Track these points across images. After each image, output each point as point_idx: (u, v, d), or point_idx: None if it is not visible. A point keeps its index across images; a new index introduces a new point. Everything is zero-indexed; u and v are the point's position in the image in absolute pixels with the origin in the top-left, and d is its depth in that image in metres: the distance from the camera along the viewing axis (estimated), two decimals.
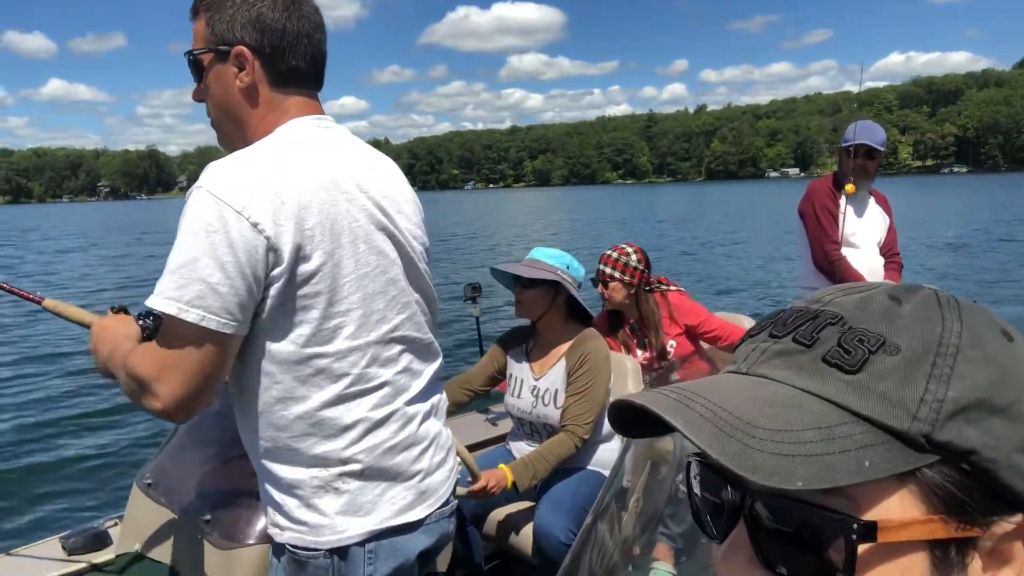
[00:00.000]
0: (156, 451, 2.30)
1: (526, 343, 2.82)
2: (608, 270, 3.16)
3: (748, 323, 3.58)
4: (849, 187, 3.55)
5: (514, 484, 2.42)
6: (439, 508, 1.45)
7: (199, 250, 1.17)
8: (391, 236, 1.38)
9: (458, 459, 2.01)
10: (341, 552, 1.34)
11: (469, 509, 2.62)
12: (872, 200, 3.83)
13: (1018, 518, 0.45)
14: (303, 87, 1.40)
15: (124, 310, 1.50)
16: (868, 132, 3.60)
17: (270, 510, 1.41)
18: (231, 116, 1.39)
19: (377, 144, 1.45)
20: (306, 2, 1.38)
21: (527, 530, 2.60)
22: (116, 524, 2.28)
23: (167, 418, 1.25)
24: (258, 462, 1.40)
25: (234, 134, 1.41)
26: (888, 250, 3.83)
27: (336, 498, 1.33)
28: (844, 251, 3.62)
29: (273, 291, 1.23)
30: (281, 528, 1.38)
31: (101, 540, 2.18)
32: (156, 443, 5.94)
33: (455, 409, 2.95)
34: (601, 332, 2.80)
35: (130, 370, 1.26)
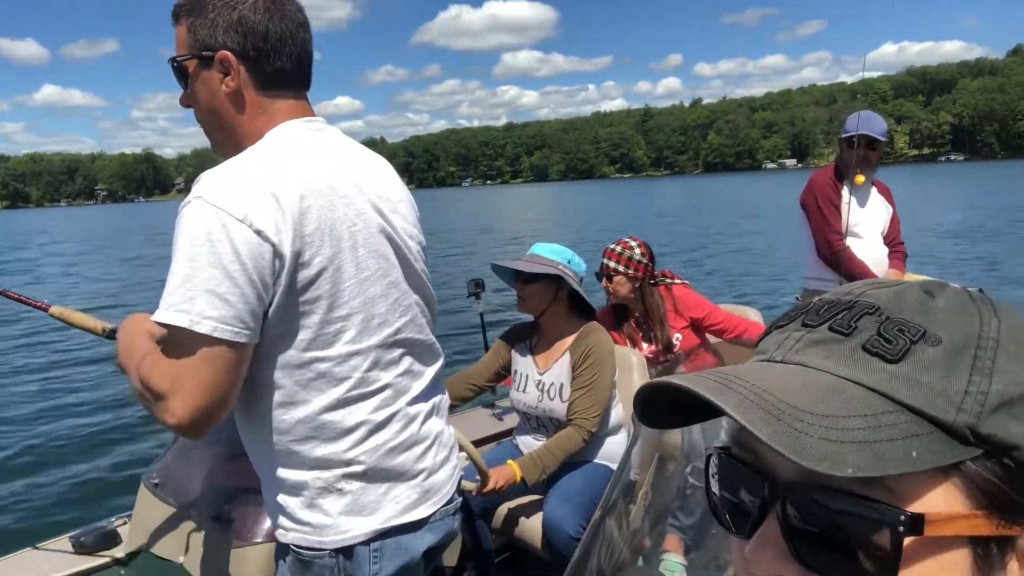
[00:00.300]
0: (163, 451, 2.31)
1: (530, 338, 2.83)
2: (612, 264, 3.16)
3: (754, 315, 3.58)
4: (859, 178, 3.55)
5: (523, 479, 2.43)
6: (443, 506, 1.45)
7: (204, 261, 1.15)
8: (389, 238, 1.37)
9: (464, 455, 2.02)
10: (346, 551, 1.34)
11: (478, 503, 2.62)
12: (874, 190, 3.82)
13: None
14: (290, 88, 1.37)
15: None
16: (869, 122, 3.60)
17: (275, 511, 1.40)
18: (220, 121, 1.37)
19: (373, 143, 1.44)
20: (288, 1, 1.35)
21: (536, 523, 2.60)
22: (125, 523, 2.30)
23: (181, 433, 1.23)
24: (260, 465, 1.40)
25: (224, 139, 1.39)
26: (892, 240, 3.83)
27: (339, 498, 1.33)
28: (848, 241, 3.61)
29: (276, 297, 1.22)
30: (285, 529, 1.38)
31: (111, 539, 2.20)
32: (164, 442, 6.01)
33: (459, 404, 2.95)
34: (606, 326, 2.80)
35: (144, 380, 1.22)
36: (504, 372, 2.86)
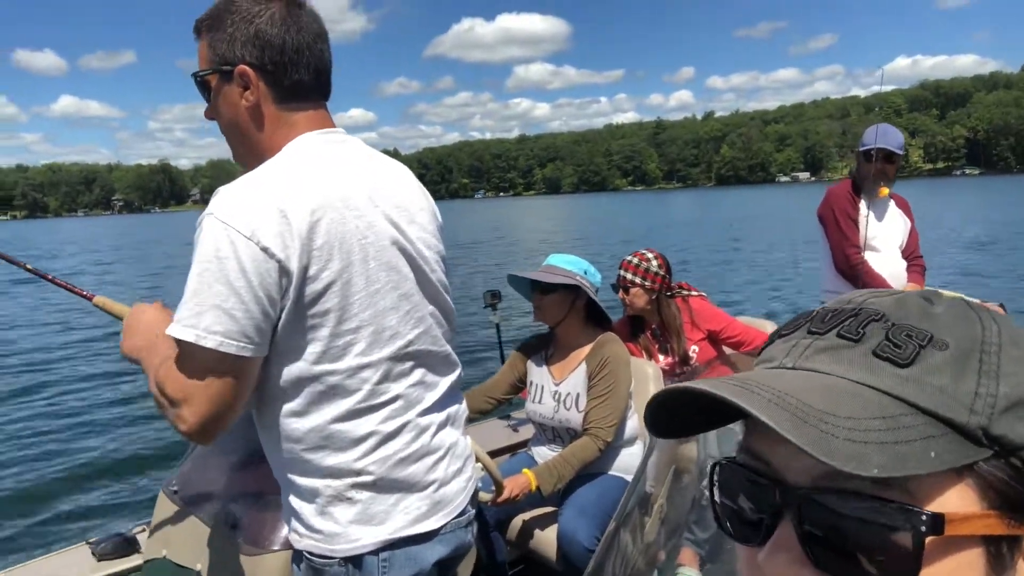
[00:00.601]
0: (183, 458, 2.33)
1: (545, 349, 2.83)
2: (629, 276, 3.17)
3: (771, 328, 3.55)
4: (884, 190, 3.55)
5: (538, 488, 2.43)
6: (455, 518, 1.44)
7: (212, 276, 1.19)
8: (403, 250, 1.37)
9: (480, 466, 2.02)
10: (355, 560, 1.34)
11: (492, 515, 2.62)
12: (892, 203, 3.81)
13: None
14: (309, 100, 1.39)
15: None
16: (886, 135, 3.59)
17: (290, 518, 1.42)
18: (241, 134, 1.39)
19: (387, 155, 1.45)
20: (305, 12, 1.36)
21: (551, 535, 2.60)
22: (144, 530, 2.32)
23: (191, 439, 1.28)
24: (277, 471, 1.42)
25: (246, 152, 1.41)
26: (910, 253, 3.81)
27: (349, 507, 1.34)
28: (865, 255, 3.60)
29: (284, 311, 1.24)
30: (299, 535, 1.39)
31: (130, 546, 2.22)
32: (182, 450, 6.03)
33: (478, 417, 2.96)
34: (622, 338, 2.80)
35: (160, 385, 1.28)
36: (521, 384, 2.86)
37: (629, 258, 3.22)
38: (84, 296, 1.70)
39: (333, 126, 1.43)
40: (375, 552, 1.35)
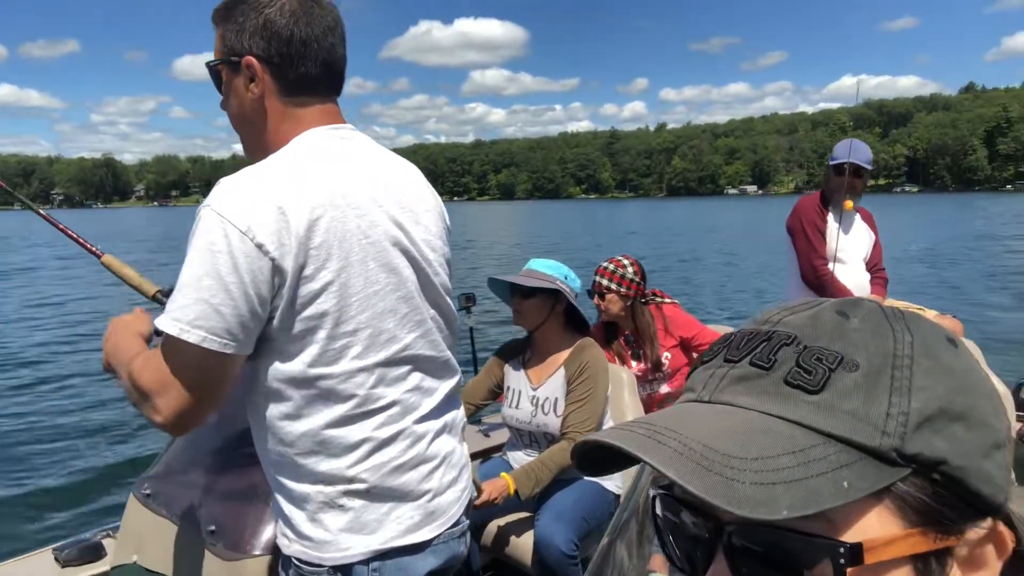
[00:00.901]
0: (153, 462, 2.25)
1: (523, 354, 2.83)
2: (605, 282, 3.18)
3: None
4: (848, 203, 3.64)
5: (516, 492, 2.41)
6: (449, 528, 1.41)
7: (203, 270, 1.17)
8: (405, 251, 1.34)
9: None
10: (344, 570, 1.31)
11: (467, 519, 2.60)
12: (858, 217, 3.91)
13: (988, 523, 0.46)
14: (316, 94, 1.36)
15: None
16: (856, 151, 3.69)
17: (280, 522, 1.39)
18: (248, 127, 1.37)
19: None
20: (317, 4, 1.34)
21: (527, 540, 2.59)
22: (108, 536, 2.26)
23: (166, 431, 1.26)
24: (269, 474, 1.38)
25: (253, 144, 1.39)
26: (873, 266, 3.92)
27: (341, 515, 1.31)
28: (832, 267, 3.69)
29: (279, 310, 1.21)
30: (289, 540, 1.36)
31: (95, 551, 2.16)
32: (146, 453, 5.92)
33: None
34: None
35: (134, 378, 1.26)
36: (498, 389, 2.85)
37: (605, 264, 3.24)
38: (93, 252, 1.65)
39: (342, 122, 1.40)
40: (365, 562, 1.31)
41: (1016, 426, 3.39)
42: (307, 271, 1.20)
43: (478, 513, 2.48)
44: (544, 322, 2.70)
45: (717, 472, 0.42)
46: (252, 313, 1.19)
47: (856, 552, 0.42)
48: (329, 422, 1.27)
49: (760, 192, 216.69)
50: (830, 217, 3.79)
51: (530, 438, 2.74)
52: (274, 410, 1.29)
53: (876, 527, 0.43)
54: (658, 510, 0.52)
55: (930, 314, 3.82)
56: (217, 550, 1.81)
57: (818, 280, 3.68)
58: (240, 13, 1.30)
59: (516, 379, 2.78)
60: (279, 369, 1.26)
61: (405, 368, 1.34)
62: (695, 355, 3.34)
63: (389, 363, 1.31)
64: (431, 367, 1.40)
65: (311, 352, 1.24)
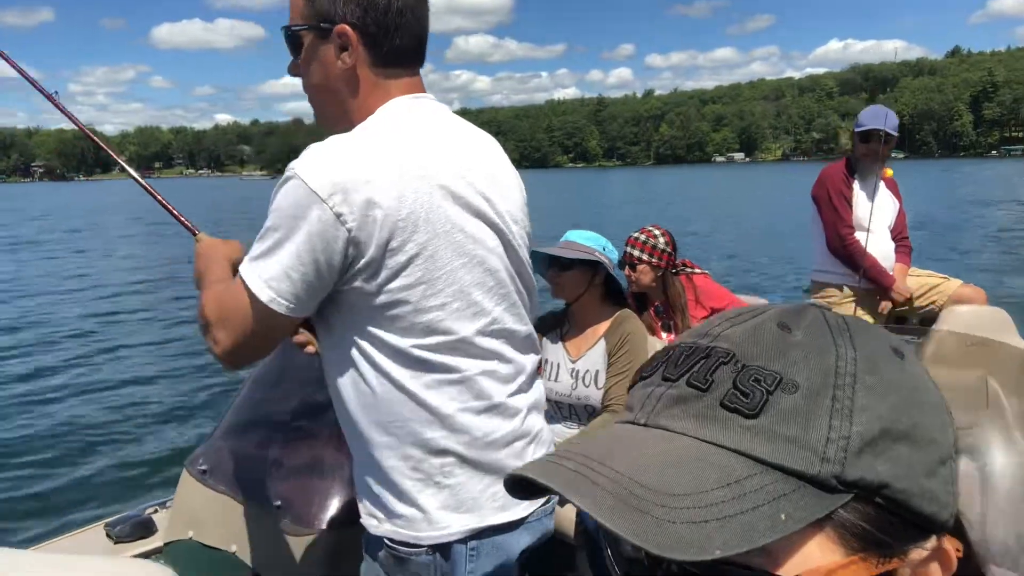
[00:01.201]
0: (208, 437, 2.23)
1: (560, 327, 2.82)
2: (636, 252, 3.17)
3: None
4: (888, 171, 3.62)
5: None
6: (541, 505, 1.40)
7: (281, 233, 1.18)
8: (491, 224, 1.31)
9: None
10: (443, 549, 1.29)
11: None
12: (883, 184, 3.90)
13: (932, 541, 0.45)
14: (405, 66, 1.33)
15: None
16: (881, 118, 3.67)
17: (367, 502, 1.36)
18: (331, 97, 1.33)
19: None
20: None
21: (569, 512, 2.60)
22: (157, 511, 2.27)
23: (219, 361, 1.32)
24: (357, 452, 1.35)
25: (333, 115, 1.35)
26: (898, 234, 3.93)
27: (438, 492, 1.28)
28: (857, 235, 3.69)
29: (360, 282, 1.20)
30: (378, 520, 1.33)
31: (146, 527, 2.17)
32: (191, 428, 5.96)
33: None
34: None
35: (205, 304, 1.31)
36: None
37: (636, 235, 3.21)
38: (189, 229, 1.63)
39: (424, 91, 1.36)
40: (463, 540, 1.29)
41: None
42: (393, 243, 1.18)
43: None
44: (583, 294, 2.68)
45: (647, 511, 0.40)
46: (320, 281, 1.20)
47: None
48: (422, 395, 1.25)
49: (747, 159, 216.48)
50: (856, 185, 3.78)
51: (569, 410, 2.74)
52: (366, 385, 1.27)
53: (817, 556, 0.41)
54: (607, 540, 0.50)
55: (954, 283, 3.84)
56: (285, 525, 1.81)
57: (844, 249, 3.69)
58: None
59: (554, 352, 2.77)
60: (371, 342, 1.24)
61: (497, 341, 1.32)
62: None
63: (479, 335, 1.29)
64: (517, 340, 1.38)
65: (401, 324, 1.23)
